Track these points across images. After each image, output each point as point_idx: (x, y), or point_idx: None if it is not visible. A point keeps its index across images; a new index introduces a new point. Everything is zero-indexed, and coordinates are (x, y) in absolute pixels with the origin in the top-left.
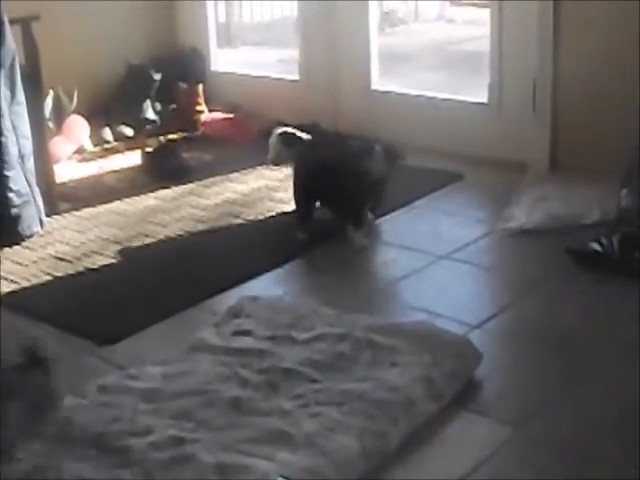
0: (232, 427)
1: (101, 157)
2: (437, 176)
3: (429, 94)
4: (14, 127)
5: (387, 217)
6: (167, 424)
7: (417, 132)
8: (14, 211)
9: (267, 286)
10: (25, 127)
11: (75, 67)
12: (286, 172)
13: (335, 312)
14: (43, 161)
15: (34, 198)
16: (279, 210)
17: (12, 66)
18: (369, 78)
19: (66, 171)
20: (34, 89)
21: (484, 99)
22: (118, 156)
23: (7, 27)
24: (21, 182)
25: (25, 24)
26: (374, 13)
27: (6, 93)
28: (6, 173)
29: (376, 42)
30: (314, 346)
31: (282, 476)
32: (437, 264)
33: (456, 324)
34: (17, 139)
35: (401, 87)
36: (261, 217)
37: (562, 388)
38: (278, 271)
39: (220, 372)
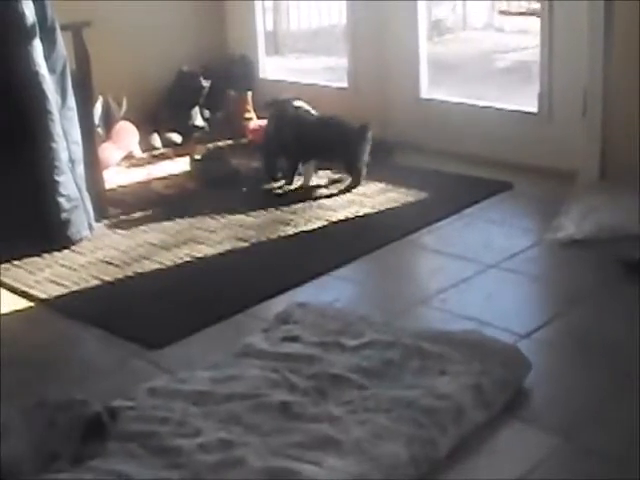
0: (281, 432)
1: (150, 163)
2: (486, 185)
3: (479, 103)
4: (65, 132)
5: (436, 225)
6: (216, 427)
7: (466, 140)
8: (64, 216)
9: (315, 293)
10: (76, 133)
11: (125, 73)
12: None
13: (383, 319)
14: (93, 167)
15: (84, 203)
16: (327, 217)
17: (63, 72)
18: (418, 86)
19: (115, 177)
20: (84, 95)
21: (534, 108)
22: (166, 163)
23: (59, 33)
24: (71, 187)
25: (76, 30)
26: (423, 21)
27: (57, 99)
28: (56, 178)
29: (425, 50)
30: (363, 353)
31: None
32: (486, 273)
33: (505, 333)
34: (68, 144)
35: (450, 96)
36: (310, 224)
37: (610, 398)
38: (326, 278)
39: (269, 377)
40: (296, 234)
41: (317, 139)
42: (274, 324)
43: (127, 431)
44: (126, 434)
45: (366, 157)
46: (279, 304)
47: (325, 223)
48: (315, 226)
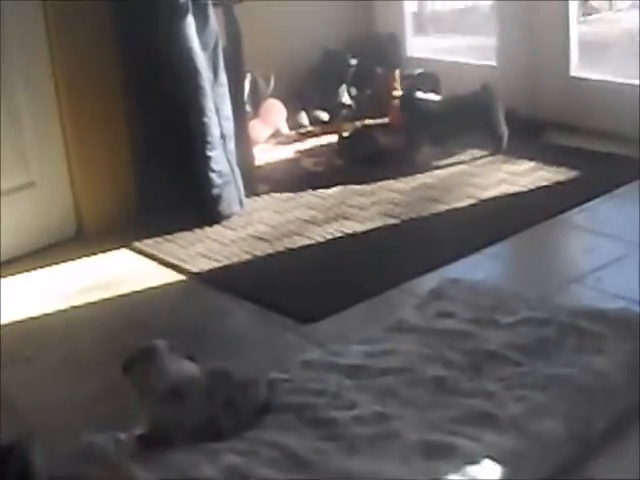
0: (436, 406)
1: (297, 141)
2: (637, 164)
3: (629, 81)
4: (216, 108)
5: (587, 205)
6: (371, 400)
7: (618, 119)
8: (215, 191)
9: (466, 270)
10: (227, 109)
11: (273, 51)
12: (484, 159)
13: (538, 297)
14: (243, 143)
15: (234, 179)
16: (478, 196)
17: (215, 48)
18: (568, 65)
19: (263, 154)
20: (235, 72)
21: None
22: (314, 140)
23: (210, 9)
24: (222, 163)
25: (228, 7)
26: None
27: (209, 75)
28: (208, 153)
29: (576, 29)
30: (518, 330)
31: None
32: (638, 253)
33: None
34: (219, 120)
35: (600, 74)
36: (460, 202)
37: None
38: (477, 256)
39: (423, 352)
40: (446, 211)
41: (447, 122)
42: (427, 300)
43: (282, 403)
44: (281, 406)
45: (501, 121)
46: (431, 281)
47: (475, 201)
48: (465, 204)
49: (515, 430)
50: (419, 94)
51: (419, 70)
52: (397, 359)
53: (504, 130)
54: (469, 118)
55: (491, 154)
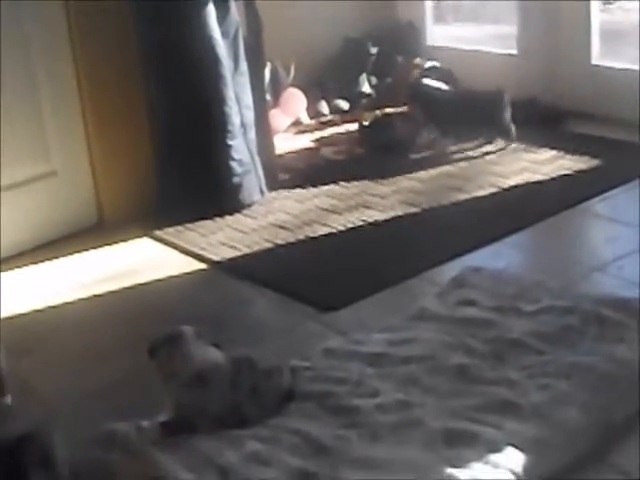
0: (459, 394)
1: (317, 130)
2: None
3: None
4: (237, 97)
5: (609, 193)
6: (393, 388)
7: (638, 107)
8: (236, 180)
9: (488, 259)
10: (247, 98)
11: (293, 40)
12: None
13: (560, 285)
14: (263, 132)
15: (255, 168)
16: (500, 184)
17: (236, 37)
18: (589, 53)
19: (283, 143)
20: (255, 61)
21: None
22: (334, 129)
23: None
24: (243, 151)
25: None
26: None
27: (230, 64)
28: (229, 142)
29: (597, 17)
30: (540, 318)
31: None
32: None
33: None
34: (240, 109)
35: (620, 62)
36: (481, 191)
37: None
38: (498, 245)
39: (445, 340)
40: (467, 200)
41: (454, 115)
42: (449, 288)
43: (304, 391)
44: (303, 394)
45: (508, 121)
46: (452, 269)
47: (497, 190)
48: (486, 192)
49: (537, 418)
50: (428, 82)
51: (430, 64)
52: (419, 347)
53: (511, 126)
54: (477, 112)
55: (500, 148)
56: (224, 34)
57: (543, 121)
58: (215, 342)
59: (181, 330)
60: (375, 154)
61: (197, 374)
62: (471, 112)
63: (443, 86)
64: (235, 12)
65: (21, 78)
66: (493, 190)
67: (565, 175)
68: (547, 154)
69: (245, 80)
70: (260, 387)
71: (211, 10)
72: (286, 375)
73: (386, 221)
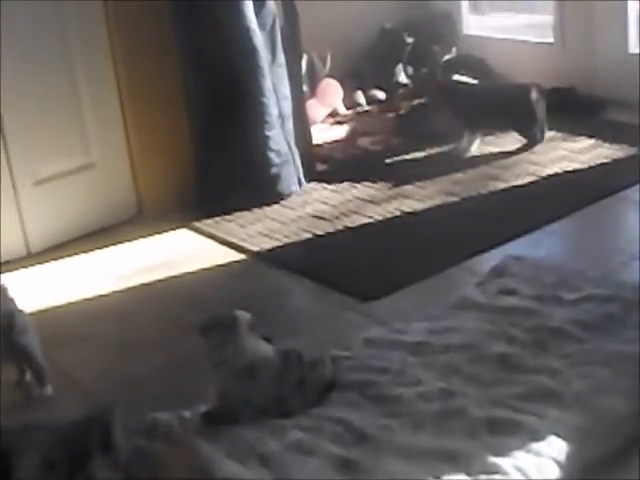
0: (501, 383)
1: (354, 120)
2: None
3: None
4: (274, 88)
5: None
6: (435, 377)
7: None
8: (274, 170)
9: (528, 248)
10: (285, 89)
11: (329, 30)
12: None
13: (600, 273)
14: (301, 123)
15: (293, 158)
16: (537, 173)
17: (272, 28)
18: (626, 42)
19: (321, 133)
20: (292, 52)
21: None
22: (371, 119)
23: None
24: (281, 142)
25: None
26: None
27: (267, 55)
28: (267, 133)
29: (634, 5)
30: (581, 306)
31: None
32: None
33: None
34: (277, 100)
35: None
36: (520, 180)
37: None
38: (538, 233)
39: (486, 329)
40: (506, 189)
41: (482, 109)
42: (489, 277)
43: (346, 380)
44: (345, 383)
45: (539, 117)
46: (492, 258)
47: (535, 178)
48: (525, 181)
49: (579, 406)
50: (457, 78)
51: (449, 56)
52: (460, 336)
53: (540, 122)
54: (504, 108)
55: (529, 145)
56: (261, 25)
57: (580, 109)
58: (266, 336)
59: (237, 316)
60: (411, 143)
61: (248, 365)
62: (499, 108)
63: (472, 81)
64: (272, 3)
65: (61, 72)
66: (532, 179)
67: (603, 163)
68: (585, 142)
69: (282, 71)
70: (305, 380)
71: (248, 2)
72: (328, 366)
73: (425, 210)
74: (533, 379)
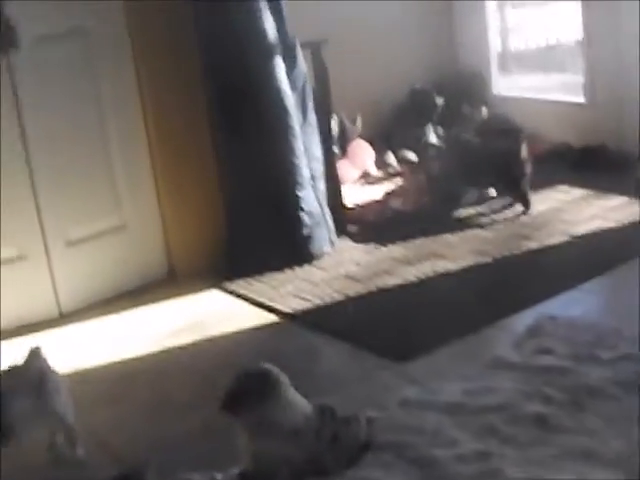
0: (538, 444)
1: (385, 181)
2: None
3: None
4: (305, 149)
5: None
6: (472, 438)
7: None
8: (305, 231)
9: (563, 307)
10: (316, 149)
11: (359, 91)
12: (575, 194)
13: (637, 332)
14: (332, 183)
15: (325, 219)
16: (571, 232)
17: (304, 89)
18: None
19: (352, 194)
20: (323, 112)
21: None
22: (402, 180)
23: (299, 50)
24: (312, 203)
25: (315, 48)
26: None
27: (298, 115)
28: (298, 194)
29: None
30: (618, 365)
31: None
32: None
33: None
34: (308, 161)
35: None
36: (552, 239)
37: None
38: (573, 292)
39: (522, 389)
40: (539, 249)
41: (470, 164)
42: (524, 337)
43: (381, 441)
44: (380, 444)
45: (524, 175)
46: (526, 318)
47: (568, 238)
48: (557, 240)
49: (619, 466)
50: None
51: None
52: (496, 396)
53: (525, 187)
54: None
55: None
56: (292, 86)
57: (612, 167)
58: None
59: (273, 372)
60: (443, 204)
61: (291, 424)
62: (488, 167)
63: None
64: (303, 64)
65: (93, 134)
66: (564, 238)
67: (636, 221)
68: (617, 200)
69: (313, 131)
70: (340, 436)
71: (279, 61)
72: (363, 425)
73: (458, 271)
74: (571, 439)
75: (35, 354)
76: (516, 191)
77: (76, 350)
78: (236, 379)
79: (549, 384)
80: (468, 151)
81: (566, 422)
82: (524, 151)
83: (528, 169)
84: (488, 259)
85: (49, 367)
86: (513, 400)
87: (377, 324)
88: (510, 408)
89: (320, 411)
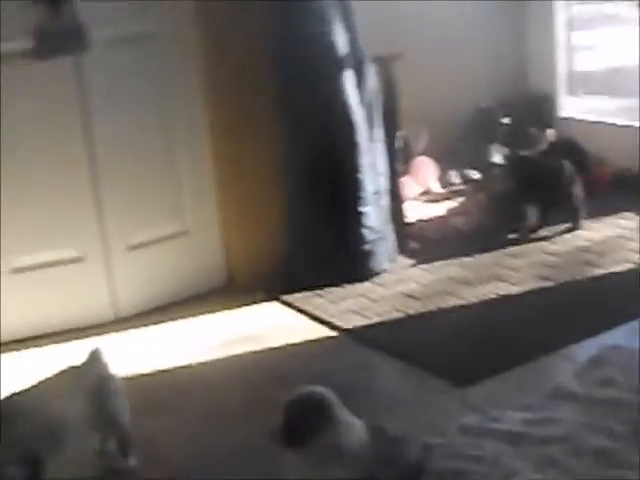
0: (598, 478)
1: (448, 199)
2: None
3: None
4: (370, 164)
5: None
6: (531, 469)
7: None
8: (367, 247)
9: (627, 336)
10: (381, 165)
11: (424, 108)
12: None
13: None
14: (395, 200)
15: (386, 235)
16: (635, 260)
17: (372, 104)
18: None
19: (413, 211)
20: (390, 128)
21: None
22: (465, 199)
23: (368, 65)
24: (375, 219)
25: (385, 63)
26: None
27: (365, 130)
28: (361, 209)
29: None
30: None
31: None
32: None
33: None
34: (373, 176)
35: None
36: (617, 266)
37: None
38: (636, 322)
39: (584, 421)
40: (603, 276)
41: (533, 185)
42: (587, 367)
43: (439, 468)
44: (438, 472)
45: (575, 194)
46: (589, 347)
47: (632, 266)
48: (622, 268)
49: None
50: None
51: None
52: (557, 428)
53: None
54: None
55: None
56: (361, 101)
57: None
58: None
59: (326, 396)
60: (505, 224)
61: (349, 447)
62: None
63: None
64: (372, 79)
65: (158, 140)
66: (629, 266)
67: None
68: None
69: (380, 147)
70: (391, 456)
71: (348, 76)
72: (415, 447)
73: (519, 295)
74: (630, 475)
75: (95, 356)
76: (569, 206)
77: (131, 355)
78: (289, 409)
79: (612, 417)
80: (532, 172)
81: (628, 457)
82: (584, 172)
83: (580, 189)
84: (551, 283)
85: (109, 370)
86: (575, 432)
87: (437, 345)
88: (571, 440)
89: (372, 431)
